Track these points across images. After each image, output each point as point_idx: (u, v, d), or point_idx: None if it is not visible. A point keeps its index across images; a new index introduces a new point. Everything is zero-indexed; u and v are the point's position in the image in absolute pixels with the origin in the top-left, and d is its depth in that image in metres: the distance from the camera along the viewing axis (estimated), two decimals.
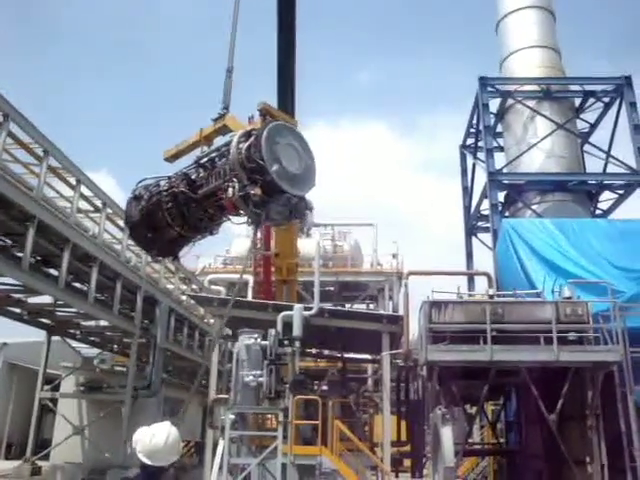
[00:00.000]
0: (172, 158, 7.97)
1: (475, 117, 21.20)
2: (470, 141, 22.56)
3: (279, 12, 14.55)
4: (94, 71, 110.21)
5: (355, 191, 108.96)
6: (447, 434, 10.39)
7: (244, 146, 7.18)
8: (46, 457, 21.43)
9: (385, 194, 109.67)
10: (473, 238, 21.97)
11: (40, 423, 22.48)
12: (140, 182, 8.26)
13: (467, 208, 22.33)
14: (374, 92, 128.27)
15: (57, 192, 16.36)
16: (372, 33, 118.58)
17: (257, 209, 7.20)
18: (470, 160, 22.54)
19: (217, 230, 8.25)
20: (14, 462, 21.75)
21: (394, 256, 30.69)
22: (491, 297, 13.24)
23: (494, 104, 20.47)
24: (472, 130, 22.09)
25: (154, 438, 3.61)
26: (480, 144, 20.95)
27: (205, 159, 7.85)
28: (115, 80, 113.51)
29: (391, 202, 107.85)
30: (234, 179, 7.22)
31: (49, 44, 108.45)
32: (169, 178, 7.99)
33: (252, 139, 7.16)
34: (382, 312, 23.51)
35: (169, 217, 7.84)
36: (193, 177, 7.77)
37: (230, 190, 7.29)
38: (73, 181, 16.04)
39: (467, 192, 22.62)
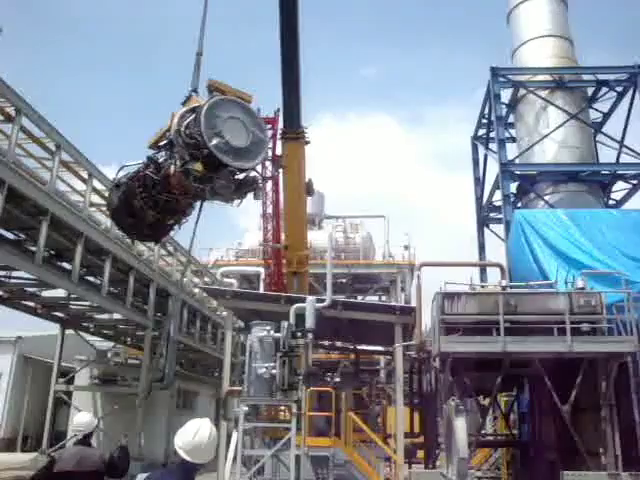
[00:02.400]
0: (154, 145, 8.02)
1: (487, 108, 21.06)
2: (482, 132, 22.39)
3: (281, 10, 14.47)
4: (104, 65, 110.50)
5: (364, 184, 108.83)
6: (460, 425, 10.37)
7: (184, 123, 7.20)
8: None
9: (395, 187, 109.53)
10: (485, 229, 21.86)
11: (55, 416, 22.72)
12: (120, 169, 8.30)
13: (479, 199, 22.20)
14: (381, 85, 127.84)
15: (69, 186, 16.46)
16: (378, 26, 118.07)
17: (200, 184, 7.17)
18: (482, 151, 22.39)
19: (190, 211, 8.24)
20: (30, 454, 22.00)
21: (406, 248, 30.63)
22: (504, 288, 13.16)
23: (506, 95, 20.33)
24: (484, 121, 21.93)
25: (198, 435, 3.57)
26: (492, 135, 20.79)
27: (165, 141, 7.83)
28: (125, 74, 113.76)
29: (401, 195, 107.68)
30: (176, 156, 7.26)
31: (54, 35, 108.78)
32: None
33: (193, 115, 7.19)
34: (395, 304, 23.46)
35: (142, 201, 7.86)
36: (160, 161, 7.75)
37: (172, 167, 7.34)
38: (85, 175, 16.12)
39: (479, 183, 22.49)
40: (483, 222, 21.88)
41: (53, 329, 23.21)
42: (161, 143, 7.74)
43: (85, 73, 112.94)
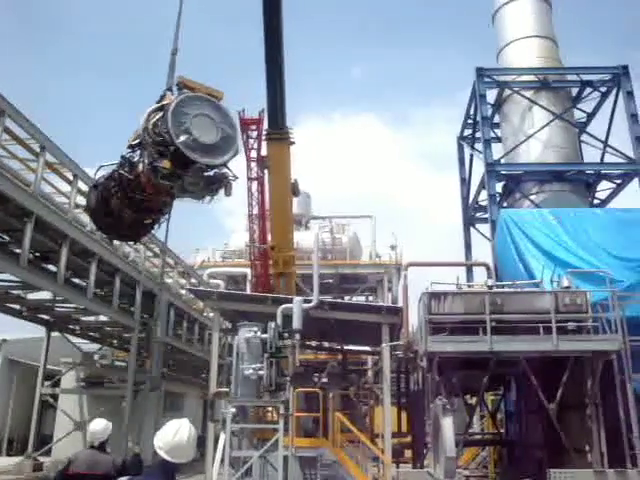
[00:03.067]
0: (130, 145, 8.07)
1: (472, 108, 21.19)
2: (467, 132, 22.54)
3: (264, 10, 14.46)
4: (88, 67, 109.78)
5: (351, 184, 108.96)
6: (448, 424, 10.41)
7: (152, 121, 7.21)
8: (47, 453, 21.49)
9: (382, 187, 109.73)
10: (471, 229, 21.99)
11: (41, 419, 22.51)
12: (98, 169, 8.28)
13: (465, 199, 22.33)
14: (367, 86, 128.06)
15: (54, 187, 16.31)
16: (363, 26, 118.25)
17: (168, 182, 7.21)
18: (468, 151, 22.54)
19: (167, 210, 8.25)
20: (15, 458, 21.80)
21: (393, 248, 30.64)
22: (490, 288, 13.24)
23: (491, 95, 20.47)
24: (469, 121, 22.08)
25: (177, 435, 3.58)
26: (478, 135, 20.95)
27: (136, 140, 7.84)
28: (111, 76, 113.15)
29: (388, 195, 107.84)
30: (145, 154, 7.28)
31: (37, 35, 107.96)
32: None
33: (161, 113, 7.22)
34: (382, 304, 23.50)
35: (118, 201, 7.85)
36: (134, 160, 7.76)
37: (140, 165, 7.37)
38: (70, 176, 15.99)
39: (465, 183, 22.63)
40: (469, 222, 22.01)
41: (39, 332, 23.04)
42: (134, 142, 7.73)
43: (69, 73, 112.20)
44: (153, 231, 8.95)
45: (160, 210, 8.14)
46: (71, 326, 22.60)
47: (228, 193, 7.79)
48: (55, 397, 22.88)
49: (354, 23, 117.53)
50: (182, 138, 7.03)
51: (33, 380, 22.91)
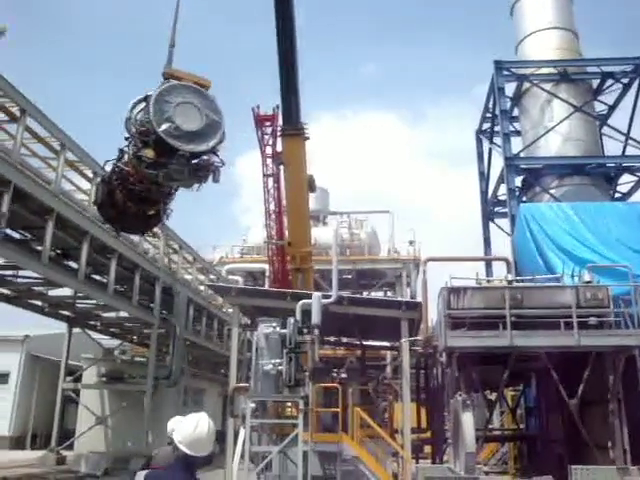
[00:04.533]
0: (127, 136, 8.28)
1: (491, 102, 21.00)
2: (486, 126, 22.36)
3: (276, 6, 14.49)
4: (103, 64, 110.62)
5: (365, 181, 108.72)
6: (468, 420, 10.38)
7: (136, 111, 7.30)
8: (70, 447, 21.78)
9: (397, 183, 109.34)
10: (490, 224, 21.84)
11: (63, 414, 22.81)
12: (105, 164, 8.38)
13: (484, 194, 22.17)
14: (380, 83, 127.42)
15: (74, 185, 16.47)
16: (377, 24, 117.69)
17: (153, 170, 7.29)
18: (486, 145, 22.37)
19: (170, 200, 8.31)
20: (39, 452, 22.13)
21: (411, 243, 30.58)
22: (510, 282, 13.15)
23: (510, 88, 20.28)
24: (488, 115, 21.89)
25: (198, 428, 3.62)
26: (496, 129, 20.77)
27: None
28: (126, 73, 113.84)
29: (403, 191, 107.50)
30: (130, 144, 7.37)
31: (54, 35, 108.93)
32: None
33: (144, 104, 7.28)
34: (401, 299, 23.45)
35: (121, 194, 7.97)
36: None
37: (125, 155, 7.48)
38: (90, 174, 16.13)
39: (484, 177, 22.46)
40: (488, 216, 21.86)
41: (60, 328, 23.32)
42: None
43: (85, 72, 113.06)
44: (160, 223, 9.07)
45: (161, 201, 8.22)
46: (92, 322, 22.86)
47: (216, 179, 7.84)
48: (77, 392, 23.16)
49: (367, 20, 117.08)
50: (164, 126, 7.13)
51: (55, 375, 23.22)
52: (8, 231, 13.76)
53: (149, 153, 7.23)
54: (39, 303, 19.84)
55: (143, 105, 7.46)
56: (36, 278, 16.32)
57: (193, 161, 7.51)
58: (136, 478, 3.62)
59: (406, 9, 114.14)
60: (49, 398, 24.30)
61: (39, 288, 18.05)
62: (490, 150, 22.02)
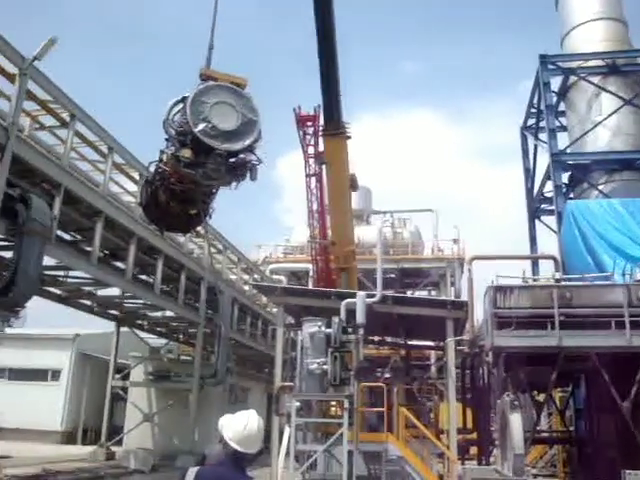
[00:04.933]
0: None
1: (536, 97, 20.58)
2: (531, 122, 21.91)
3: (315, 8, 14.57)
4: (156, 70, 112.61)
5: (409, 180, 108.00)
6: (516, 421, 10.19)
7: (173, 113, 7.42)
8: (119, 442, 22.31)
9: (440, 182, 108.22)
10: (537, 221, 21.41)
11: (112, 410, 23.39)
12: (149, 165, 8.52)
13: (530, 191, 21.73)
14: (421, 81, 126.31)
15: (122, 187, 16.84)
16: (417, 21, 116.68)
17: (190, 170, 7.36)
18: (532, 141, 21.93)
19: (210, 199, 8.38)
20: (90, 447, 22.72)
21: (455, 241, 30.25)
22: (558, 281, 12.86)
23: (555, 83, 19.82)
24: (533, 110, 21.45)
25: (248, 425, 3.67)
26: (542, 124, 20.32)
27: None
28: (176, 80, 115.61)
29: (446, 189, 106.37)
30: (168, 145, 7.48)
31: (98, 36, 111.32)
32: None
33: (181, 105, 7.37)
34: (446, 298, 23.24)
35: (163, 194, 8.11)
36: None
37: (164, 156, 7.56)
38: (137, 176, 16.46)
39: (529, 175, 22.01)
40: (534, 214, 21.42)
41: (108, 327, 23.89)
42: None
43: (129, 73, 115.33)
44: (202, 222, 9.20)
45: (202, 201, 8.33)
46: (139, 321, 23.35)
47: (253, 177, 7.90)
48: (125, 389, 23.71)
49: (406, 18, 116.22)
50: (200, 126, 7.24)
51: (104, 373, 23.82)
52: (59, 233, 14.15)
53: (186, 153, 7.38)
54: (88, 303, 20.38)
55: (181, 106, 7.58)
56: (86, 278, 16.75)
57: (230, 160, 7.59)
58: (188, 474, 3.67)
59: (444, 6, 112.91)
60: (98, 395, 24.95)
61: (88, 288, 18.53)
62: (535, 146, 21.56)
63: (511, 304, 12.00)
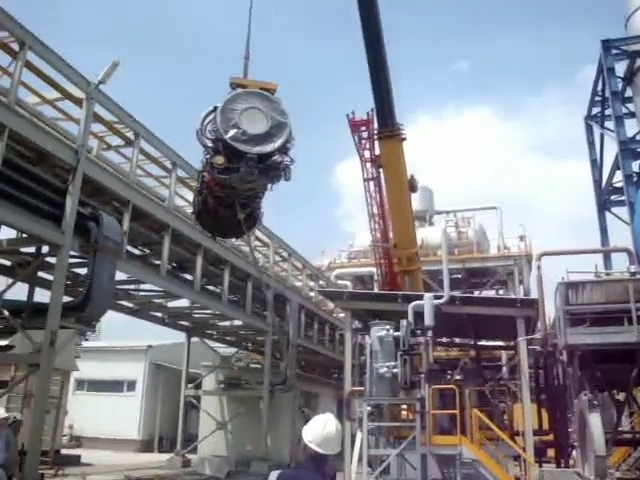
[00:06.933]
0: None
1: (600, 84, 19.92)
2: (596, 110, 21.23)
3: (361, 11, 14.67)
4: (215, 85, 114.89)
5: (470, 178, 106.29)
6: (596, 421, 9.85)
7: (206, 122, 7.69)
8: (194, 450, 22.79)
9: (501, 178, 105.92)
10: (607, 213, 20.69)
11: (186, 419, 23.93)
12: (198, 175, 8.78)
13: (597, 182, 21.06)
14: (474, 78, 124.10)
15: (186, 200, 17.22)
16: (465, 18, 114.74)
17: (225, 175, 7.60)
18: (597, 131, 21.23)
19: (255, 203, 8.51)
20: (166, 455, 23.31)
21: (521, 238, 29.55)
22: (633, 274, 12.37)
23: (620, 68, 19.10)
24: (597, 98, 20.77)
25: (326, 427, 3.76)
26: (607, 112, 19.66)
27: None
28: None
29: (509, 185, 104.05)
30: (205, 152, 7.77)
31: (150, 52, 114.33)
32: None
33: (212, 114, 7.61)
34: (515, 296, 22.70)
35: (211, 201, 8.40)
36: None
37: (200, 164, 7.88)
38: None
39: (596, 165, 21.33)
40: (604, 206, 20.73)
41: (179, 337, 24.50)
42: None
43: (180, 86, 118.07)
44: (253, 226, 9.40)
45: (247, 204, 8.50)
46: (209, 331, 23.81)
47: (287, 178, 8.04)
48: (197, 398, 24.23)
49: (455, 16, 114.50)
50: (231, 132, 7.46)
51: (176, 383, 24.43)
52: (129, 248, 14.62)
53: (219, 160, 7.64)
54: (159, 314, 20.93)
55: (213, 116, 7.81)
56: (156, 291, 17.20)
57: (264, 162, 7.74)
58: (269, 477, 3.78)
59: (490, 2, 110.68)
60: (171, 404, 25.58)
61: (159, 300, 19.03)
62: (602, 136, 20.88)
63: (584, 300, 11.64)
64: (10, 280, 12.79)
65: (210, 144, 7.82)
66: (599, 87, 20.09)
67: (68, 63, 11.50)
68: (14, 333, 13.94)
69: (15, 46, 10.53)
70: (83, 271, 13.79)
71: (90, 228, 11.79)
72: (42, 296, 12.91)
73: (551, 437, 15.98)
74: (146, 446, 27.15)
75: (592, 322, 11.45)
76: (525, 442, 14.04)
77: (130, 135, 13.85)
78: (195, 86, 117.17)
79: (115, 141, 14.32)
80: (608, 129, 19.88)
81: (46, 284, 13.26)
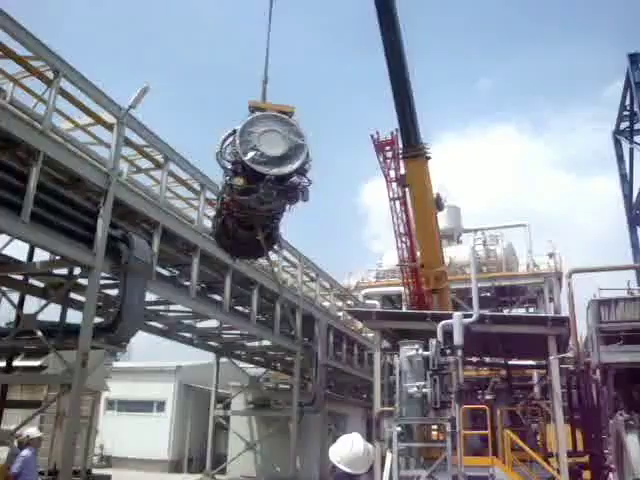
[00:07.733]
0: None
1: (627, 98, 19.75)
2: (624, 125, 21.02)
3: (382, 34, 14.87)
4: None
5: (495, 196, 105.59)
6: (633, 442, 9.64)
7: (225, 145, 7.81)
8: (223, 471, 22.76)
9: (529, 195, 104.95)
10: (638, 228, 20.38)
11: (215, 439, 23.93)
12: (218, 197, 8.92)
13: (627, 197, 20.79)
14: (499, 96, 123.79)
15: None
16: (486, 37, 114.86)
17: (245, 196, 7.73)
18: (626, 145, 21.00)
19: (273, 224, 8.59)
20: (197, 475, 23.33)
21: (551, 256, 29.13)
22: None
23: None
24: (625, 113, 20.58)
25: (354, 447, 3.78)
26: (637, 127, 19.46)
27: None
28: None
29: (536, 203, 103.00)
30: (225, 175, 7.87)
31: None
32: None
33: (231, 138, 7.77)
34: (546, 314, 22.36)
35: (231, 222, 8.49)
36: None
37: (220, 186, 7.98)
38: None
39: (626, 180, 21.07)
40: (635, 220, 20.42)
41: (207, 358, 24.60)
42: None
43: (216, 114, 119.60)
44: (272, 246, 9.50)
45: (266, 225, 8.61)
46: (237, 351, 23.87)
47: (305, 198, 8.13)
48: (226, 419, 24.24)
49: (476, 35, 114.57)
50: (250, 155, 7.60)
51: (205, 403, 24.49)
52: (158, 269, 14.80)
53: (239, 181, 7.79)
54: (189, 335, 21.07)
55: (232, 139, 7.99)
56: (185, 312, 17.36)
57: (282, 184, 7.87)
58: None
59: (508, 20, 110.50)
60: (201, 424, 25.62)
61: (188, 321, 19.18)
62: (631, 150, 20.66)
63: (617, 317, 11.46)
64: (43, 301, 13.06)
65: (230, 166, 7.98)
66: (627, 101, 19.92)
67: (100, 89, 11.81)
68: (47, 354, 14.16)
69: (50, 74, 10.86)
70: (114, 292, 13.97)
71: (121, 250, 11.99)
72: (74, 317, 13.15)
73: (586, 459, 15.64)
74: (175, 466, 27.16)
75: (626, 340, 11.25)
76: (559, 464, 13.75)
77: (160, 158, 14.09)
78: (218, 109, 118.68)
79: (145, 164, 14.58)
80: (637, 143, 19.67)
81: (78, 305, 13.51)
